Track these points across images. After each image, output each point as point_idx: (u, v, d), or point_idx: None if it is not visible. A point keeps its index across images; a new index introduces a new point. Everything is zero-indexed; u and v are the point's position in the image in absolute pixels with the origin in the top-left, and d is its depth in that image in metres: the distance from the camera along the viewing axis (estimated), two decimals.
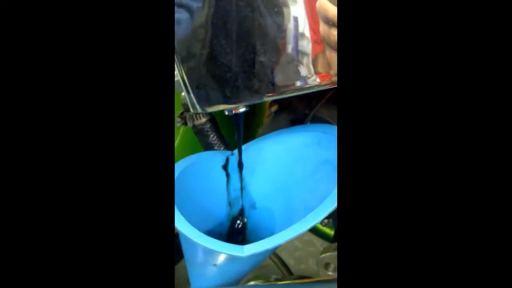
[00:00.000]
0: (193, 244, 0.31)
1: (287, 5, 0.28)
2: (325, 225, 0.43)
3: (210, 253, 0.30)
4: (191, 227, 0.29)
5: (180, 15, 0.30)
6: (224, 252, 0.28)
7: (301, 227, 0.29)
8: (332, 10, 0.27)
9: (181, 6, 0.30)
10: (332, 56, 0.29)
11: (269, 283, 0.36)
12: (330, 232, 0.63)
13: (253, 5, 0.28)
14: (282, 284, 0.36)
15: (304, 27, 0.29)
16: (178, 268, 0.47)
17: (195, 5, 0.30)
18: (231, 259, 0.30)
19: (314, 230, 0.65)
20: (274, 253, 0.50)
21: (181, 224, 0.30)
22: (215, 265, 0.31)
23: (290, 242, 0.32)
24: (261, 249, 0.28)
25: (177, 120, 0.38)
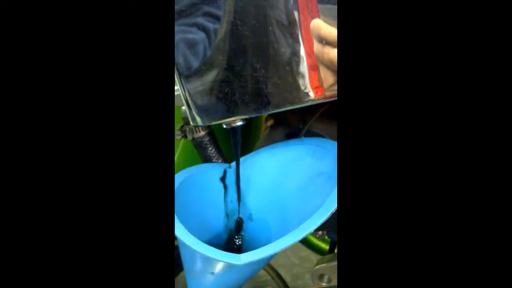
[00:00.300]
0: (192, 252, 0.32)
1: (285, 25, 0.30)
2: (319, 237, 0.44)
3: (208, 261, 0.31)
4: (191, 236, 0.30)
5: (196, 36, 0.32)
6: (222, 260, 0.29)
7: (295, 236, 0.30)
8: (325, 29, 0.29)
9: (197, 26, 0.31)
10: (326, 73, 0.30)
11: None
12: (326, 247, 0.65)
13: (254, 25, 0.30)
14: None
15: (300, 46, 0.30)
16: (177, 280, 0.48)
17: (212, 26, 0.31)
18: (229, 267, 0.31)
19: (310, 246, 0.66)
20: (270, 267, 0.51)
21: (180, 232, 0.31)
22: (212, 273, 0.32)
23: (288, 258, 0.33)
24: (257, 258, 0.29)
25: (177, 133, 0.40)
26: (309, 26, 0.29)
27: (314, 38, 0.29)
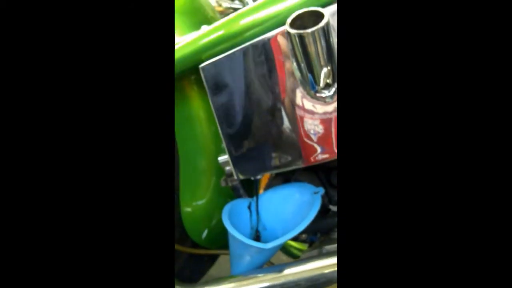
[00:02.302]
0: (239, 244, 0.60)
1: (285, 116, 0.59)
2: (303, 240, 0.72)
3: (248, 248, 0.60)
4: (239, 234, 0.59)
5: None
6: (257, 246, 0.58)
7: (292, 234, 0.59)
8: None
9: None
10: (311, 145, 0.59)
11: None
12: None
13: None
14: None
15: (297, 129, 0.59)
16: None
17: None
18: (259, 251, 0.60)
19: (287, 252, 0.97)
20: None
21: (233, 232, 0.59)
22: (250, 256, 0.61)
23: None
24: (275, 245, 0.58)
25: (221, 181, 0.69)
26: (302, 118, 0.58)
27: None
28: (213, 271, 0.92)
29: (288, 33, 0.50)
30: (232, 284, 0.59)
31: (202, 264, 0.91)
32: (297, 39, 0.49)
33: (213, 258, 0.93)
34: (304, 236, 0.71)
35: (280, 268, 0.58)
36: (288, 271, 0.57)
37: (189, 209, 0.78)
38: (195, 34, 0.64)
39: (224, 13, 0.79)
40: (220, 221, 0.76)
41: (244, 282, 0.59)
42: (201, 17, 0.78)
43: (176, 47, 0.64)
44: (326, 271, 0.54)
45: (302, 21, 0.51)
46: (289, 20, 0.50)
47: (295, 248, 1.02)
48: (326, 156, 0.57)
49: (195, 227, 0.80)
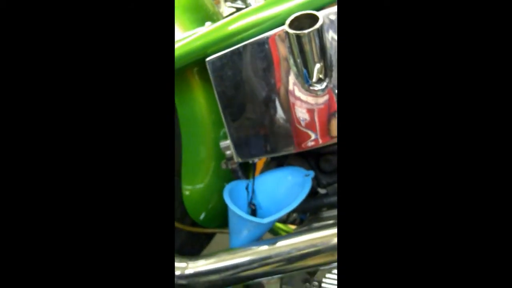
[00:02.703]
0: (238, 219, 0.67)
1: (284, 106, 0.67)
2: (294, 219, 0.80)
3: (246, 222, 0.67)
4: (239, 210, 0.66)
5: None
6: (255, 221, 0.66)
7: (285, 211, 0.66)
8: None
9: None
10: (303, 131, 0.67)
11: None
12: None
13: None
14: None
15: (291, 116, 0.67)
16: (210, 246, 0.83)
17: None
18: (256, 225, 0.67)
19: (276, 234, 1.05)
20: None
21: (233, 208, 0.66)
22: (247, 230, 0.68)
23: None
24: (271, 220, 0.65)
25: (222, 164, 0.76)
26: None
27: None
28: (210, 248, 1.00)
29: (287, 33, 0.57)
30: (232, 255, 0.67)
31: (200, 242, 0.98)
32: (294, 38, 0.57)
33: (209, 237, 1.00)
34: (294, 215, 0.79)
35: (274, 240, 0.65)
36: (281, 243, 0.64)
37: (189, 192, 0.85)
38: (200, 30, 0.71)
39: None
40: (217, 203, 0.84)
41: (243, 253, 0.66)
42: (204, 14, 0.84)
43: (183, 42, 0.71)
44: (315, 242, 0.62)
45: (299, 22, 0.58)
46: (287, 21, 0.58)
47: (283, 230, 1.10)
48: (314, 143, 0.65)
49: (194, 208, 0.86)
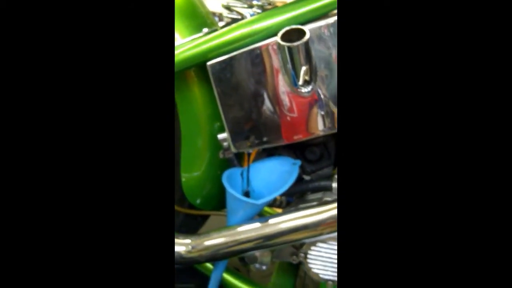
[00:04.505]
0: (235, 200, 0.78)
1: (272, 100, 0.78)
2: (281, 202, 0.91)
3: (242, 203, 0.78)
4: (236, 192, 0.77)
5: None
6: (249, 201, 0.77)
7: (275, 194, 0.77)
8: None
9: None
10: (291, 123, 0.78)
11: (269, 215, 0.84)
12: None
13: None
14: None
15: (279, 112, 0.78)
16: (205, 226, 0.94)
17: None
18: (251, 206, 0.78)
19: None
20: None
21: (231, 191, 0.77)
22: (243, 209, 0.79)
23: None
24: (264, 201, 0.77)
25: (220, 154, 0.86)
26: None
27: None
28: (205, 228, 1.11)
29: (279, 44, 0.69)
30: (230, 231, 0.78)
31: (196, 222, 1.09)
32: (286, 49, 0.68)
33: (205, 218, 1.12)
34: (281, 198, 0.90)
35: (266, 218, 0.77)
36: (272, 220, 0.76)
37: (187, 179, 0.95)
38: (198, 37, 0.81)
39: (220, 15, 0.96)
40: (212, 189, 0.95)
41: (239, 230, 0.78)
42: (201, 21, 0.94)
43: (183, 48, 0.80)
44: (301, 220, 0.74)
45: (289, 34, 0.69)
46: (279, 34, 0.69)
47: (270, 214, 1.22)
48: (301, 136, 0.77)
49: (192, 193, 0.97)
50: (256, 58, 0.74)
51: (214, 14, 1.01)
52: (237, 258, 0.82)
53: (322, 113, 0.73)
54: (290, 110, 0.75)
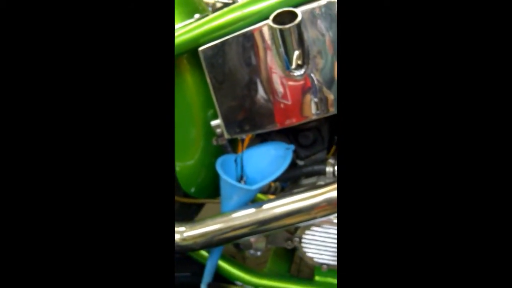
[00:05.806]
0: (229, 186, 0.78)
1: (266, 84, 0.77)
2: (275, 188, 0.91)
3: (235, 189, 0.78)
4: (230, 178, 0.77)
5: None
6: (243, 187, 0.77)
7: (268, 179, 0.77)
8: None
9: None
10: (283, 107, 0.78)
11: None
12: None
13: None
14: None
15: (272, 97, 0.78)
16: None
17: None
18: (245, 192, 0.78)
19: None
20: None
21: (225, 177, 0.77)
22: (237, 195, 0.79)
23: None
24: (258, 186, 0.76)
25: (213, 141, 0.86)
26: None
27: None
28: (200, 216, 1.11)
29: (271, 27, 0.68)
30: (224, 218, 0.78)
31: (192, 211, 1.09)
32: (277, 32, 0.67)
33: (200, 206, 1.11)
34: (277, 184, 0.90)
35: (260, 204, 0.77)
36: (266, 206, 0.76)
37: (181, 167, 0.94)
38: (189, 22, 0.80)
39: (213, 5, 0.95)
40: (206, 177, 0.94)
41: (233, 216, 0.78)
42: (193, 7, 0.93)
43: (176, 33, 0.80)
44: (295, 204, 0.73)
45: (281, 17, 0.68)
46: (271, 17, 0.68)
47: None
48: (294, 120, 0.76)
49: (186, 181, 0.96)
50: (248, 42, 0.73)
51: (207, 4, 1.00)
52: (232, 245, 0.81)
53: (315, 96, 0.72)
54: (283, 94, 0.74)
